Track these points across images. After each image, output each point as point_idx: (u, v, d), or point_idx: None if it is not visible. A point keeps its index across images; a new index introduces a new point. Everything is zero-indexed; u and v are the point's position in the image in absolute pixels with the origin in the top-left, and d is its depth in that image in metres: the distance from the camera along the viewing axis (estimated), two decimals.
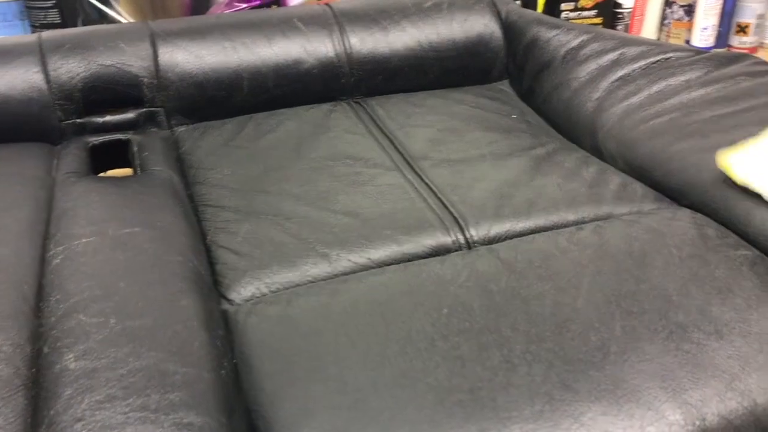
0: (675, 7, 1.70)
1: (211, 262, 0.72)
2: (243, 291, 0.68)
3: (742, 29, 1.71)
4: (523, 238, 0.73)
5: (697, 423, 0.51)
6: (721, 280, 0.62)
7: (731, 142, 0.77)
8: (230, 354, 0.59)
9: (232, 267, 0.70)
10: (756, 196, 0.68)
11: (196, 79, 0.99)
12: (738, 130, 0.78)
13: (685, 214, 0.73)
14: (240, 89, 1.00)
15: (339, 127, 0.96)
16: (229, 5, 1.40)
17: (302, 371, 0.56)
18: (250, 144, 0.93)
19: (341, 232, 0.74)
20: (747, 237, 0.69)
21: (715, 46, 1.67)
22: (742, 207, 0.70)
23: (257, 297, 0.67)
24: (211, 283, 0.69)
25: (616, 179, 0.82)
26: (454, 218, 0.77)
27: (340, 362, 0.56)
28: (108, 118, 0.96)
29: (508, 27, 1.13)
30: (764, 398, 0.52)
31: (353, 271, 0.70)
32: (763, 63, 0.93)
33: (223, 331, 0.61)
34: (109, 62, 0.95)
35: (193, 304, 0.60)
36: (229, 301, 0.67)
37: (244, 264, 0.70)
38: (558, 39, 1.04)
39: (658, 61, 0.95)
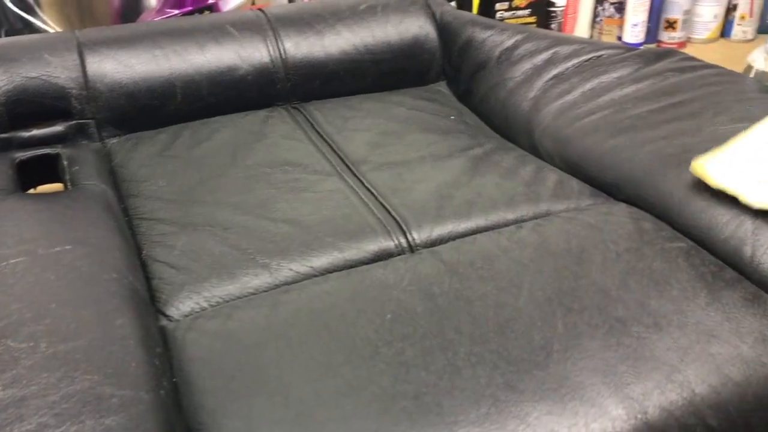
0: (606, 5, 1.74)
1: (147, 278, 0.70)
2: (181, 306, 0.66)
3: (671, 25, 1.76)
4: (465, 239, 0.73)
5: (640, 416, 0.51)
6: (658, 273, 0.64)
7: (662, 137, 0.78)
8: (169, 372, 0.57)
9: (169, 282, 0.68)
10: (728, 198, 0.69)
11: (126, 89, 0.96)
12: (668, 125, 0.80)
13: (621, 208, 0.75)
14: (173, 98, 0.98)
15: (276, 133, 0.95)
16: (160, 12, 1.37)
17: (244, 386, 0.55)
18: (185, 153, 0.91)
19: (282, 241, 0.73)
20: (681, 229, 0.70)
21: (645, 42, 1.72)
22: (675, 199, 0.72)
23: (196, 312, 0.65)
24: (148, 299, 0.67)
25: (553, 177, 0.83)
26: (396, 222, 0.76)
27: (282, 375, 0.55)
28: (35, 132, 0.93)
29: (443, 28, 1.13)
30: (702, 388, 0.53)
31: (295, 281, 0.68)
32: (690, 58, 0.95)
33: (162, 349, 0.60)
34: (33, 74, 0.91)
35: (129, 323, 0.59)
36: (168, 317, 0.65)
37: (181, 278, 0.69)
38: (492, 39, 1.05)
39: (590, 59, 0.96)
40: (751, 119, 0.75)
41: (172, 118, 0.99)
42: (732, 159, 0.70)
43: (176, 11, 1.36)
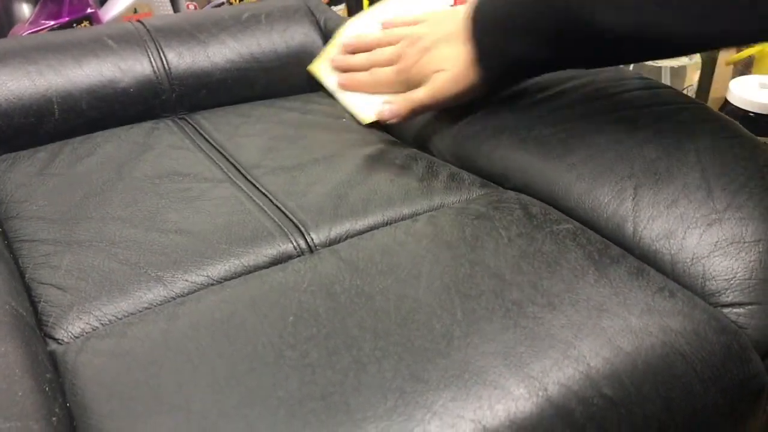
0: None
1: (33, 302, 0.66)
2: (71, 328, 0.63)
3: None
4: (363, 235, 0.73)
5: (540, 394, 0.53)
6: (548, 255, 0.66)
7: (545, 126, 0.81)
8: (62, 398, 0.54)
9: (56, 304, 0.65)
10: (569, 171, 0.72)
11: None
12: (550, 115, 0.83)
13: (510, 196, 0.77)
14: (51, 114, 0.94)
15: (163, 143, 0.92)
16: (34, 23, 1.31)
17: (144, 406, 0.53)
18: (67, 170, 0.87)
19: (174, 252, 0.70)
20: (567, 211, 0.73)
21: None
22: (561, 184, 0.75)
23: (87, 332, 0.62)
24: (35, 323, 0.63)
25: (444, 171, 0.85)
26: (294, 224, 0.76)
27: (184, 390, 0.54)
28: None
29: (328, 34, 1.13)
30: (596, 361, 0.55)
31: (191, 291, 0.67)
32: None
33: (53, 375, 0.56)
34: None
35: (14, 351, 0.55)
36: (57, 340, 0.62)
37: (69, 299, 0.65)
38: None
39: None
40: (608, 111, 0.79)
41: (51, 136, 0.95)
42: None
43: (52, 22, 1.30)
